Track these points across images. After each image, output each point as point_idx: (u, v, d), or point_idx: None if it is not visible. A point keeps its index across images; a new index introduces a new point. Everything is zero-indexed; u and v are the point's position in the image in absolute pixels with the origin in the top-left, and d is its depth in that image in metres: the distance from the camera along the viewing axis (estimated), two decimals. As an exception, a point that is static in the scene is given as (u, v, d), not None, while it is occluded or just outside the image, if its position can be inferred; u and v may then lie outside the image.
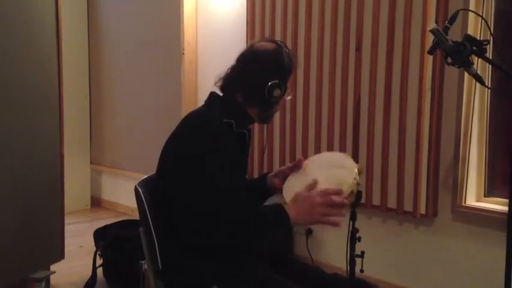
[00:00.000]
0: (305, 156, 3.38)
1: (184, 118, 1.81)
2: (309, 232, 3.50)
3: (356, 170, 1.70)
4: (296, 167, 1.85)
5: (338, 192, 1.61)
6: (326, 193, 1.61)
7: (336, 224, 1.61)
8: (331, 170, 1.74)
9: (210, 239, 1.58)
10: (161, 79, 4.57)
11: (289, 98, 1.91)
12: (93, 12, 5.24)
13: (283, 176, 1.87)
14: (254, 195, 1.89)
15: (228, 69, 1.83)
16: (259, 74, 1.76)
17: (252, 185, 1.96)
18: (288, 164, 1.94)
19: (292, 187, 1.76)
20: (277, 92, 1.75)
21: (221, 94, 1.84)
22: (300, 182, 1.75)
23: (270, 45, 1.81)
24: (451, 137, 2.84)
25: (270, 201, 1.89)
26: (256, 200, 1.90)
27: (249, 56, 1.82)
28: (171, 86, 4.42)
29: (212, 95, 1.85)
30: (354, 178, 1.67)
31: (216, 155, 1.64)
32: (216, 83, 1.84)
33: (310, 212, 1.60)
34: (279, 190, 1.86)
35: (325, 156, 1.94)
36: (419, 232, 3.02)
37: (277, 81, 1.75)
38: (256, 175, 3.68)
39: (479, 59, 2.27)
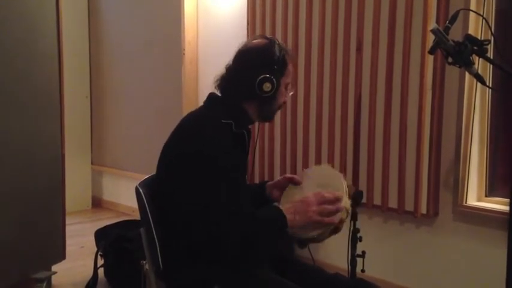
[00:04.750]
0: (305, 157, 3.39)
1: (183, 119, 1.81)
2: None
3: (347, 200, 1.72)
4: (294, 181, 1.86)
5: (333, 194, 1.67)
6: (319, 193, 1.68)
7: (332, 222, 1.65)
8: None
9: (210, 249, 1.59)
10: (162, 79, 4.57)
11: (291, 93, 1.89)
12: (94, 12, 5.24)
13: (281, 187, 1.89)
14: (252, 200, 1.88)
15: (224, 68, 1.84)
16: (249, 70, 1.76)
17: (252, 190, 1.95)
18: (287, 168, 1.94)
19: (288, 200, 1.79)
20: (267, 86, 1.73)
21: (219, 95, 1.84)
22: (294, 196, 1.78)
23: (261, 41, 1.82)
24: (452, 136, 2.84)
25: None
26: (254, 204, 1.89)
27: (240, 54, 1.82)
28: (171, 86, 4.42)
29: (211, 96, 1.85)
30: (344, 207, 1.69)
31: (214, 159, 1.63)
32: (214, 83, 1.84)
33: (306, 210, 1.64)
34: (276, 201, 1.87)
35: (323, 172, 1.92)
36: (420, 232, 3.02)
37: (267, 75, 1.73)
38: (257, 175, 3.68)
39: (480, 59, 2.27)
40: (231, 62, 1.83)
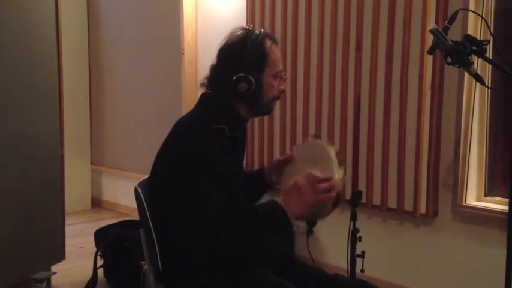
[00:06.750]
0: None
1: (175, 125, 1.76)
2: (310, 232, 3.49)
3: (338, 170, 1.67)
4: (288, 160, 1.85)
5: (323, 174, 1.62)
6: (309, 173, 1.62)
7: (329, 197, 1.60)
8: (315, 167, 1.71)
9: (209, 257, 1.58)
10: (161, 79, 4.57)
11: (286, 77, 1.83)
12: (93, 12, 5.24)
13: (278, 170, 1.88)
14: (253, 190, 1.89)
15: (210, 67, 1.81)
16: (225, 70, 1.72)
17: (252, 178, 1.95)
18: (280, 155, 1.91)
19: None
20: (243, 86, 1.67)
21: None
22: (290, 176, 1.77)
23: (237, 36, 1.76)
24: (451, 136, 2.84)
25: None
26: (254, 194, 1.90)
27: (219, 52, 1.79)
28: (171, 86, 4.42)
29: (203, 96, 1.81)
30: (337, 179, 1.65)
31: (208, 162, 1.61)
32: (200, 85, 1.80)
33: (300, 195, 1.60)
34: (277, 184, 1.88)
35: (311, 148, 1.89)
36: (420, 232, 3.02)
37: (241, 74, 1.67)
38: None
39: (479, 59, 2.27)
40: (215, 60, 1.79)
